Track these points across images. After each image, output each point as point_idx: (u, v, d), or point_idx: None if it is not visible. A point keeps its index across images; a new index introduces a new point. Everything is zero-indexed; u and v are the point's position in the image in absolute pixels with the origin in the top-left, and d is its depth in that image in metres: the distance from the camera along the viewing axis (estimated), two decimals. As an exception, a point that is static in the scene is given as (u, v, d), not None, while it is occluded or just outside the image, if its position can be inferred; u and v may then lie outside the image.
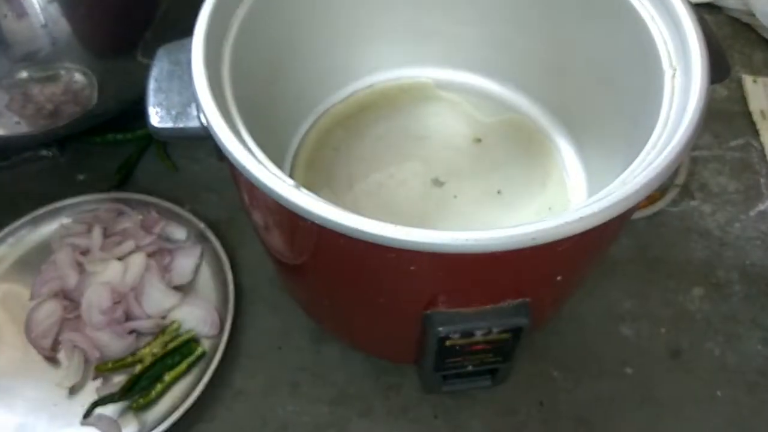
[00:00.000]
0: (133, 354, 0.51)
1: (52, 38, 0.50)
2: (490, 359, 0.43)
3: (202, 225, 0.58)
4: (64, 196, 0.59)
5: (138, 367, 0.51)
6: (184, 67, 0.41)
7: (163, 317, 0.54)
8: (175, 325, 0.53)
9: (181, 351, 0.51)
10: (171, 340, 0.52)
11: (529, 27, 0.54)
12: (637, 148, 0.38)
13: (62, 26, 0.50)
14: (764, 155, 0.66)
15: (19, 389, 0.51)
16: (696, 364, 0.54)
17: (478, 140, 0.57)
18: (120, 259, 0.55)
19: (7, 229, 0.57)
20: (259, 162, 0.35)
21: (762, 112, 0.69)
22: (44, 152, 0.65)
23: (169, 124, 0.40)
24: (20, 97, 0.53)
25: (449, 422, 0.51)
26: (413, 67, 0.59)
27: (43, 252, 0.57)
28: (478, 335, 0.40)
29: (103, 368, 0.51)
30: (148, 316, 0.53)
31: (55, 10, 0.49)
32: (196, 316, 0.53)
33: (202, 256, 0.57)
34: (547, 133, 0.57)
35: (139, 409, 0.50)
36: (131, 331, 0.52)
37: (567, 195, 0.54)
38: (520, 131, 0.57)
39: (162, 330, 0.53)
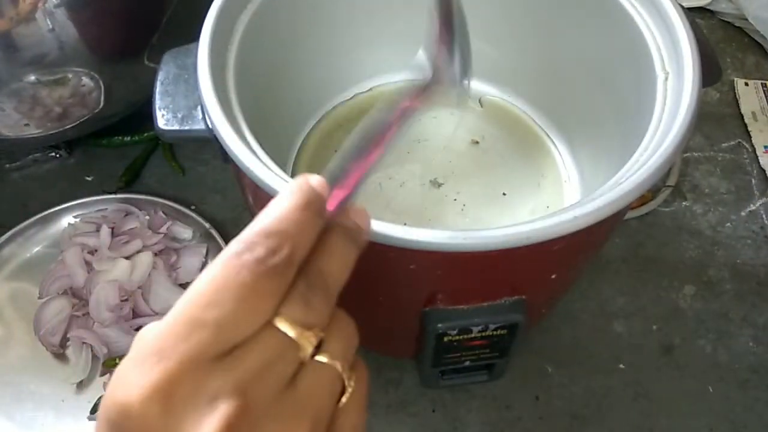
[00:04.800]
0: (140, 350, 0.52)
1: (59, 42, 0.50)
2: (486, 355, 0.44)
3: (207, 225, 0.58)
4: (73, 197, 0.60)
5: (145, 363, 0.52)
6: (190, 71, 0.42)
7: (169, 314, 0.54)
8: (180, 322, 0.54)
9: (186, 347, 0.52)
10: (177, 337, 0.53)
11: (524, 32, 0.54)
12: (630, 149, 0.38)
13: (69, 31, 0.50)
14: (755, 156, 0.66)
15: (28, 385, 0.52)
16: (688, 360, 0.54)
17: (476, 142, 0.57)
18: (127, 258, 0.56)
19: (16, 229, 0.58)
20: (263, 163, 0.35)
21: (753, 114, 0.69)
22: (53, 154, 0.65)
23: (176, 127, 0.40)
24: (29, 99, 0.53)
25: (447, 416, 0.51)
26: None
27: (51, 251, 0.58)
28: (475, 332, 0.40)
29: (110, 364, 0.52)
30: (155, 313, 0.54)
31: (62, 14, 0.49)
32: (202, 314, 0.54)
33: (207, 254, 0.57)
34: (543, 135, 0.58)
35: (146, 404, 0.51)
36: (138, 328, 0.52)
37: (562, 195, 0.54)
38: (516, 133, 0.58)
39: (168, 327, 0.54)
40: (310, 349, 0.24)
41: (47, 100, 0.54)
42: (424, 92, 0.35)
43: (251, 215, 0.45)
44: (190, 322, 0.21)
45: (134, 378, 0.21)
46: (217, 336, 0.21)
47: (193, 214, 0.59)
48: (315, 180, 0.26)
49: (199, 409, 0.21)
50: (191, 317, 0.21)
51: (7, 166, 0.66)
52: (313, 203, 0.25)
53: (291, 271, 0.23)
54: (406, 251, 0.33)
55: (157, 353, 0.21)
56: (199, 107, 0.40)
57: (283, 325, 0.23)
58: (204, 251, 0.57)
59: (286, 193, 0.25)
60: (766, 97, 0.71)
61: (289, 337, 0.23)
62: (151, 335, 0.22)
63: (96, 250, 0.57)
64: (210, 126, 0.38)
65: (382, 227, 0.32)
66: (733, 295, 0.57)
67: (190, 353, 0.21)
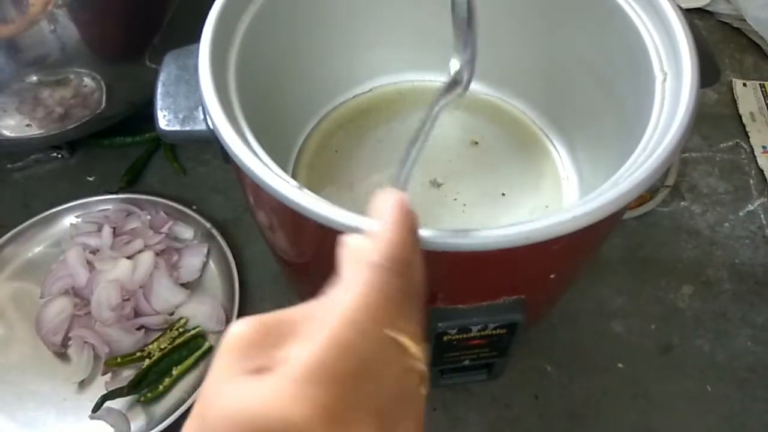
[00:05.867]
0: (141, 349, 0.52)
1: (61, 43, 0.50)
2: (486, 354, 0.44)
3: (208, 225, 0.58)
4: (75, 197, 0.60)
5: (146, 362, 0.52)
6: (191, 72, 0.42)
7: (171, 313, 0.55)
8: (182, 321, 0.54)
9: (188, 346, 0.52)
10: (178, 336, 0.53)
11: (523, 32, 0.55)
12: (628, 149, 0.38)
13: (71, 32, 0.50)
14: (753, 157, 0.66)
15: (30, 384, 0.52)
16: (686, 360, 0.54)
17: (475, 143, 0.57)
18: (129, 257, 0.56)
19: (18, 229, 0.58)
20: (264, 164, 0.35)
21: (752, 115, 0.69)
22: (54, 154, 0.66)
23: (177, 127, 0.40)
24: (31, 100, 0.53)
25: (447, 415, 0.51)
26: (412, 72, 0.60)
27: (53, 251, 0.58)
28: (475, 331, 0.40)
29: (112, 363, 0.52)
30: (157, 313, 0.54)
31: (64, 16, 0.49)
32: (203, 312, 0.54)
33: (208, 254, 0.58)
34: (542, 136, 0.58)
35: (147, 402, 0.51)
36: (140, 327, 0.53)
37: (561, 195, 0.54)
38: (515, 134, 0.58)
39: (170, 326, 0.54)
40: (423, 364, 0.25)
41: (49, 100, 0.54)
42: (447, 95, 0.39)
43: (252, 216, 0.46)
44: (344, 348, 0.23)
45: (295, 395, 0.21)
46: (364, 363, 0.23)
47: (195, 214, 0.59)
48: (407, 201, 0.28)
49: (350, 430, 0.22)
50: (344, 344, 0.23)
51: (9, 166, 0.66)
52: (416, 228, 0.28)
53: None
54: (405, 251, 0.33)
55: (314, 373, 0.22)
56: (200, 108, 0.40)
57: (407, 343, 0.25)
58: (205, 251, 0.58)
59: (398, 216, 0.27)
60: (764, 97, 0.71)
61: (412, 354, 0.25)
62: (305, 353, 0.22)
63: (98, 250, 0.57)
64: (211, 126, 0.38)
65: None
66: (731, 294, 0.58)
67: (344, 377, 0.22)
